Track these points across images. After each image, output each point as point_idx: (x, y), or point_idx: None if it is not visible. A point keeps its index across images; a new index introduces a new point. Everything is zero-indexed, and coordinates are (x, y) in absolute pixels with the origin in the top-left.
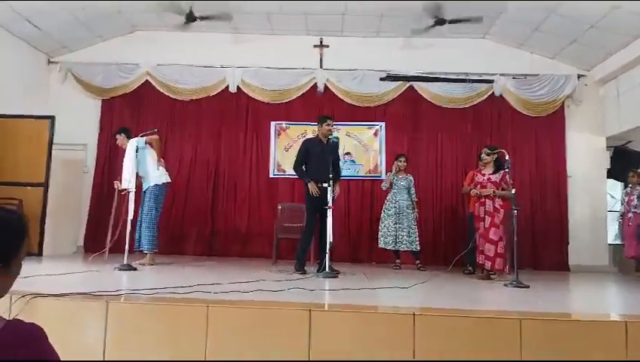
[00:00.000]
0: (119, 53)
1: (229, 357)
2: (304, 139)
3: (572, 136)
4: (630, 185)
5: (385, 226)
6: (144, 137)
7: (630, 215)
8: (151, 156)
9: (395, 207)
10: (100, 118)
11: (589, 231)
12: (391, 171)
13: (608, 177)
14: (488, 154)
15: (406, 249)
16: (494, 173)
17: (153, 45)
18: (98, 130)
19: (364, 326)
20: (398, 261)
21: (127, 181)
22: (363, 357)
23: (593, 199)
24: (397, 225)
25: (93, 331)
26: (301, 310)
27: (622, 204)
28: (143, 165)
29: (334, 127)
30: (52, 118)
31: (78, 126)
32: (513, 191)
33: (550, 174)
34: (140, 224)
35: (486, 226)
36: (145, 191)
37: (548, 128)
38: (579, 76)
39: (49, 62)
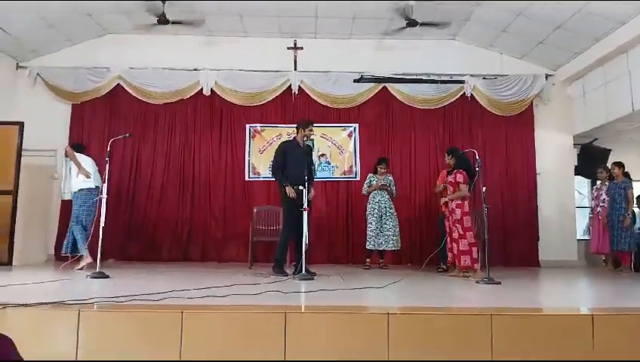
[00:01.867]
0: (89, 56)
1: None
2: (281, 141)
3: (540, 134)
4: (599, 181)
5: (371, 226)
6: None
7: (599, 209)
8: (72, 167)
9: (378, 208)
10: (70, 122)
11: (558, 227)
12: (372, 174)
13: (576, 174)
14: (445, 157)
15: (393, 248)
16: (451, 173)
17: (124, 48)
18: (68, 135)
19: (339, 327)
20: (382, 261)
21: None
22: (338, 358)
23: (562, 195)
24: (382, 226)
25: (64, 340)
26: (276, 313)
27: (592, 200)
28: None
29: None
30: (21, 124)
31: (48, 131)
32: (463, 189)
33: (520, 172)
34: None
35: (450, 226)
36: None
37: (517, 127)
38: (546, 76)
39: (18, 66)
